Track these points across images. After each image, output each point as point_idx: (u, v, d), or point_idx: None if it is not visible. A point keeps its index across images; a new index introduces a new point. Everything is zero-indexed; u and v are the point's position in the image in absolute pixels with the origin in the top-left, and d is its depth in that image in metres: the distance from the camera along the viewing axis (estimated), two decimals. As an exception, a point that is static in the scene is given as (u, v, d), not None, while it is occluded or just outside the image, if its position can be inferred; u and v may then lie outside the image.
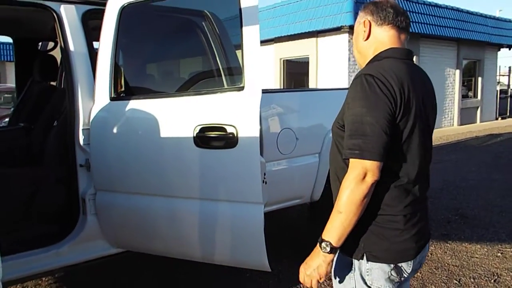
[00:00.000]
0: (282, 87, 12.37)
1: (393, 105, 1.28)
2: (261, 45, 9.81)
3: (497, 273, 3.24)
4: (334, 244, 1.29)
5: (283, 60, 12.70)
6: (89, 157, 2.40)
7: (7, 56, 17.63)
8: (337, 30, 10.72)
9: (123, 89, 2.37)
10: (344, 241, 1.32)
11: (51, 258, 2.33)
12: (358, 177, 1.25)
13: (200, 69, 2.82)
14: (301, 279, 1.37)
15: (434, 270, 3.32)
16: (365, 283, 1.39)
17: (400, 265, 1.38)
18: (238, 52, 2.36)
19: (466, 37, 13.55)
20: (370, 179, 1.26)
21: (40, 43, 3.78)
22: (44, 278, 3.19)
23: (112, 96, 2.35)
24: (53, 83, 3.35)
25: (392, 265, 1.37)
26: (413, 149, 1.36)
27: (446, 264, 3.40)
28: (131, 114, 2.30)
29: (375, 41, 1.44)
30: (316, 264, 1.33)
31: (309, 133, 3.23)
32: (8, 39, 3.91)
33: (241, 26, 1.99)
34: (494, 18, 15.21)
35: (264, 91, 3.27)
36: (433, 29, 12.39)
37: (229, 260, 2.27)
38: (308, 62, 11.83)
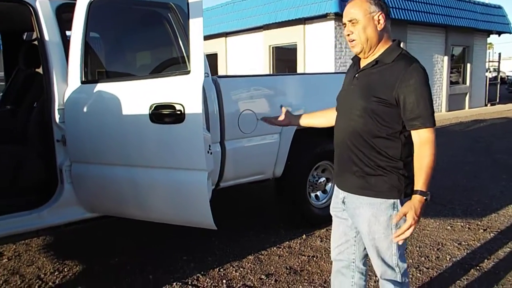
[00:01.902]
0: (271, 73, 12.63)
1: None
2: (250, 33, 10.10)
3: (442, 243, 3.55)
4: (428, 191, 1.70)
5: (272, 47, 12.92)
6: (64, 133, 2.75)
7: None
8: (323, 17, 10.94)
9: (92, 73, 2.71)
10: (405, 187, 1.79)
11: (33, 220, 2.70)
12: (435, 139, 1.71)
13: (167, 57, 3.13)
14: (405, 229, 1.69)
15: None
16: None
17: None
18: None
19: (454, 24, 13.69)
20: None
21: (25, 34, 4.11)
22: (33, 244, 3.58)
23: (83, 80, 2.70)
24: (39, 70, 3.69)
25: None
26: None
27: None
28: (99, 95, 2.65)
29: (385, 32, 1.79)
30: (420, 209, 1.69)
31: (269, 114, 3.53)
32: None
33: (188, 18, 2.32)
34: (482, 4, 15.26)
35: (227, 76, 3.61)
36: (421, 15, 12.55)
37: (181, 220, 2.64)
38: (296, 49, 12.08)
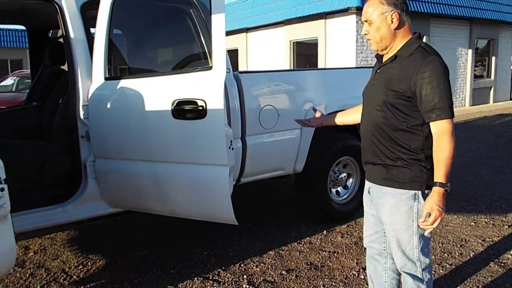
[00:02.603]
0: (292, 68, 12.58)
1: None
2: (271, 28, 10.05)
3: (465, 239, 3.49)
4: (447, 182, 1.71)
5: (293, 42, 12.86)
6: (88, 129, 2.80)
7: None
8: (344, 11, 10.82)
9: (115, 70, 2.75)
10: (427, 179, 1.81)
11: (58, 215, 2.77)
12: (453, 129, 1.73)
13: (189, 53, 3.15)
14: (432, 221, 1.71)
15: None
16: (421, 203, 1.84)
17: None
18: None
19: (479, 16, 13.36)
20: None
21: (50, 31, 4.19)
22: (58, 239, 3.68)
23: (106, 76, 2.74)
24: (63, 67, 3.77)
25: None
26: None
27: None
28: (122, 91, 2.68)
29: (402, 29, 1.82)
30: (440, 201, 1.70)
31: (290, 110, 3.53)
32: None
33: (210, 14, 2.32)
34: (509, -5, 14.89)
35: (248, 72, 3.61)
36: (444, 8, 12.28)
37: (203, 215, 2.66)
38: (317, 44, 11.98)
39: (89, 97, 2.77)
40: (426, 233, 1.83)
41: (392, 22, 1.79)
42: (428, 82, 1.71)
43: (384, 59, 1.90)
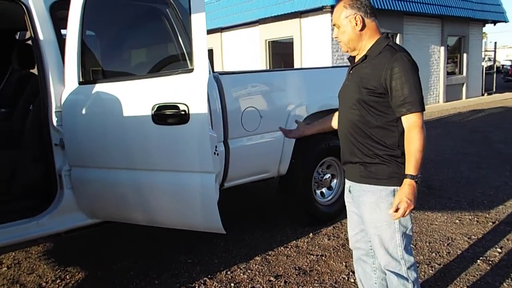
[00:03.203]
0: (268, 68, 12.52)
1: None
2: (246, 27, 9.91)
3: (452, 238, 3.49)
4: (418, 174, 1.75)
5: (268, 41, 12.81)
6: (62, 136, 2.64)
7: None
8: (319, 10, 10.83)
9: (89, 74, 2.60)
10: (395, 174, 1.84)
11: (32, 228, 2.59)
12: (422, 123, 1.77)
13: (166, 54, 3.02)
14: (401, 212, 1.73)
15: (391, 234, 3.60)
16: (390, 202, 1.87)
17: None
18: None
19: (450, 14, 13.62)
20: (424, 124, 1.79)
21: (18, 33, 3.97)
22: (33, 251, 3.48)
23: (80, 80, 2.58)
24: (33, 71, 3.57)
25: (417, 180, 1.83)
26: None
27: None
28: (98, 96, 2.54)
29: (368, 30, 1.89)
30: (412, 193, 1.73)
31: (273, 111, 3.45)
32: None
33: (190, 14, 2.21)
34: (478, -6, 15.26)
35: (229, 73, 3.51)
36: (417, 6, 12.48)
37: (188, 225, 2.54)
38: (292, 43, 11.97)
39: (62, 102, 2.61)
40: (407, 231, 1.88)
41: (356, 24, 1.88)
42: (398, 77, 1.76)
43: (356, 60, 1.97)
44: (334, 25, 1.97)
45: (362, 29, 1.89)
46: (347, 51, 1.98)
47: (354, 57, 1.99)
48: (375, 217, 1.92)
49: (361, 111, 1.87)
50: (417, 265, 2.99)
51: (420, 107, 1.77)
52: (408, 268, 1.93)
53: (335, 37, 1.98)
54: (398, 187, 1.82)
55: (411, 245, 3.28)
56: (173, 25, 2.82)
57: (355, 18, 1.88)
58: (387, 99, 1.82)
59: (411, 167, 1.74)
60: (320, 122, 2.42)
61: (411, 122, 1.76)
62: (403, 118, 1.79)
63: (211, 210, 2.32)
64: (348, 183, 2.08)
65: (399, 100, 1.77)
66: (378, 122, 1.85)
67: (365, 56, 1.90)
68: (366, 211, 1.95)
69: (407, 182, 1.74)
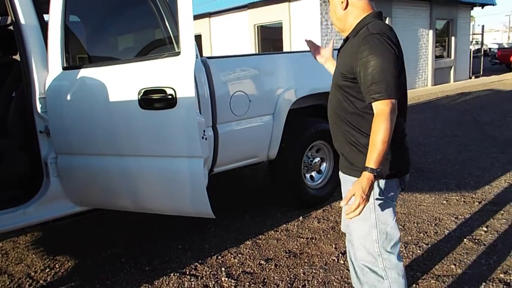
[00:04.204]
0: (257, 52, 12.43)
1: (396, 55, 1.64)
2: (235, 12, 9.76)
3: (439, 218, 3.54)
4: (379, 168, 1.61)
5: (257, 26, 12.69)
6: (47, 123, 2.59)
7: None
8: (308, -6, 10.75)
9: (74, 59, 2.54)
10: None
11: (19, 217, 2.55)
12: (390, 112, 1.59)
13: (153, 38, 2.96)
14: (353, 208, 1.59)
15: (379, 216, 3.64)
16: (383, 195, 1.79)
17: (403, 177, 1.83)
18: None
19: (438, -3, 13.66)
20: (395, 112, 1.62)
21: (-1, 18, 3.87)
22: (21, 241, 3.45)
23: (65, 65, 2.53)
24: (16, 57, 3.48)
25: (399, 178, 1.80)
26: (402, 88, 1.74)
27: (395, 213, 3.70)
28: (83, 81, 2.49)
29: (353, 9, 1.77)
30: (368, 187, 1.59)
31: (261, 95, 3.43)
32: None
33: (176, -3, 2.16)
34: (466, -24, 15.25)
35: (217, 57, 3.47)
36: (405, -11, 12.45)
37: (177, 210, 2.53)
38: (281, 27, 11.88)
39: (46, 89, 2.55)
40: (387, 228, 1.78)
41: (342, 2, 1.78)
42: (366, 62, 1.63)
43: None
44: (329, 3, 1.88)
45: (345, 8, 1.78)
46: (338, 31, 1.89)
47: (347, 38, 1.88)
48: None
49: (338, 96, 1.81)
50: (406, 246, 3.03)
51: (387, 94, 1.60)
52: (388, 268, 1.83)
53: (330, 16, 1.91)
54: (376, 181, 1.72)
55: (400, 226, 3.36)
56: (159, 8, 2.76)
57: None
58: (359, 84, 1.71)
59: (371, 159, 1.59)
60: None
61: (377, 110, 1.62)
62: (372, 105, 1.65)
63: (200, 195, 2.30)
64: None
65: (366, 85, 1.64)
66: (353, 109, 1.76)
67: (347, 38, 1.81)
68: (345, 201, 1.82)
69: (365, 175, 1.60)
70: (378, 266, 1.84)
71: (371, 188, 1.61)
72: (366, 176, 1.60)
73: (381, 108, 1.60)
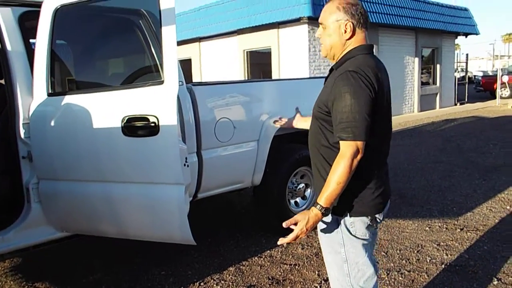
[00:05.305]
0: (246, 78, 12.58)
1: (372, 93, 1.59)
2: (224, 37, 9.89)
3: (421, 245, 3.56)
4: (329, 207, 1.61)
5: (246, 51, 12.88)
6: (30, 149, 2.59)
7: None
8: (296, 21, 10.97)
9: (59, 85, 2.57)
10: (347, 203, 1.70)
11: (-3, 244, 2.53)
12: (352, 155, 1.57)
13: (140, 65, 3.02)
14: (291, 238, 1.61)
15: (363, 242, 3.65)
16: (350, 233, 1.74)
17: (375, 216, 1.75)
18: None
19: (424, 26, 13.99)
20: (360, 155, 1.59)
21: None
22: (0, 268, 3.38)
23: (49, 92, 2.55)
24: (1, 82, 3.50)
25: (369, 217, 1.73)
26: (383, 127, 1.71)
27: (378, 239, 3.65)
28: (67, 108, 2.51)
29: (353, 40, 1.70)
30: (312, 223, 1.60)
31: (246, 122, 3.48)
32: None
33: (160, 26, 2.22)
34: (450, 7, 15.72)
35: (202, 84, 3.52)
36: (391, 18, 12.77)
37: (158, 237, 2.53)
38: (270, 53, 12.07)
39: (30, 114, 2.57)
40: (358, 264, 1.75)
41: (345, 32, 1.68)
42: (338, 99, 1.59)
43: None
44: (321, 23, 1.74)
45: (349, 38, 1.70)
46: (326, 56, 1.79)
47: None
48: (324, 241, 1.85)
49: (314, 128, 1.78)
50: (388, 273, 3.04)
51: (353, 136, 1.56)
52: None
53: (318, 36, 1.78)
54: (340, 217, 1.74)
55: (383, 253, 3.37)
56: (146, 37, 2.82)
57: (345, 25, 1.68)
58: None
59: (323, 196, 1.58)
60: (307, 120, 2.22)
61: (341, 150, 1.59)
62: (340, 143, 1.61)
63: (181, 222, 2.31)
64: None
65: (335, 123, 1.61)
66: (325, 142, 1.71)
67: (332, 68, 1.76)
68: (320, 233, 1.85)
69: (313, 210, 1.59)
70: None
71: (315, 224, 1.61)
72: (314, 212, 1.59)
73: (344, 150, 1.58)
